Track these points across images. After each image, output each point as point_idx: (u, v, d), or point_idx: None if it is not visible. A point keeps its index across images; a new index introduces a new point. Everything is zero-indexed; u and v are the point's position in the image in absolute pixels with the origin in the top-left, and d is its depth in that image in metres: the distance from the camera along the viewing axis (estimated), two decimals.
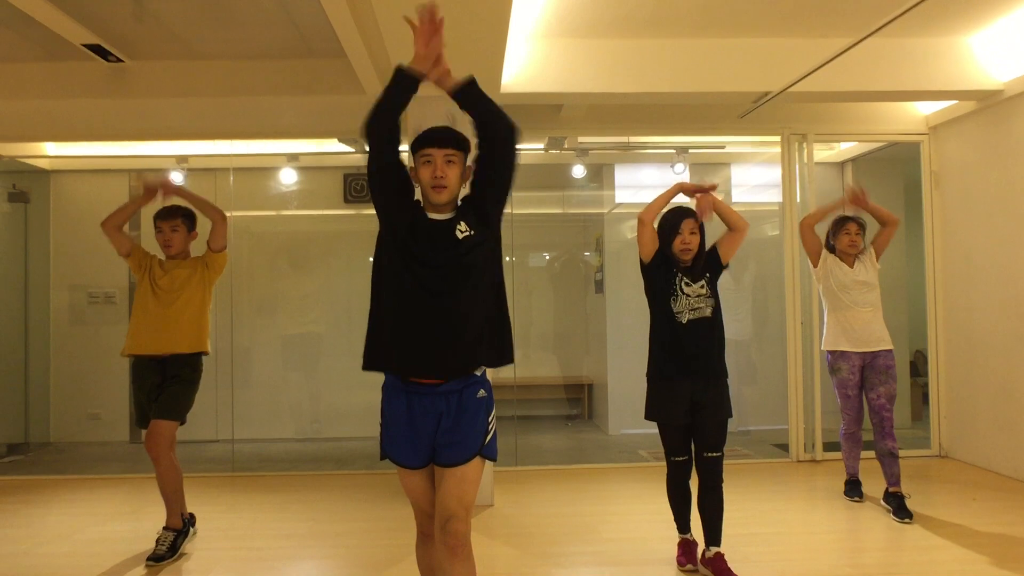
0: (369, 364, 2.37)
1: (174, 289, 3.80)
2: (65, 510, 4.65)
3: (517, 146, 2.33)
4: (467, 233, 2.32)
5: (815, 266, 4.46)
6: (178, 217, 3.88)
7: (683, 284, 3.33)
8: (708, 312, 3.33)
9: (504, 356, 2.41)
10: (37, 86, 5.01)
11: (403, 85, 2.31)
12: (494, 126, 2.30)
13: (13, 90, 5.00)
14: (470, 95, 2.32)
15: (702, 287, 3.33)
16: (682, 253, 3.34)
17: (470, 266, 2.31)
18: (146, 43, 4.71)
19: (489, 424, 2.36)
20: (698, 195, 3.39)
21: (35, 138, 6.12)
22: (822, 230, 4.57)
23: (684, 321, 3.30)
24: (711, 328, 3.34)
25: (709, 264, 3.39)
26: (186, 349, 3.80)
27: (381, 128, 2.30)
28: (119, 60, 4.83)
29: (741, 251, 3.61)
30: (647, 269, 3.42)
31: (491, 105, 2.32)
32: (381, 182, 2.33)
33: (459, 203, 2.41)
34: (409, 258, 2.30)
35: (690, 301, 3.31)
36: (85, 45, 4.50)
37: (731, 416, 3.35)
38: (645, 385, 3.44)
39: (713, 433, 3.31)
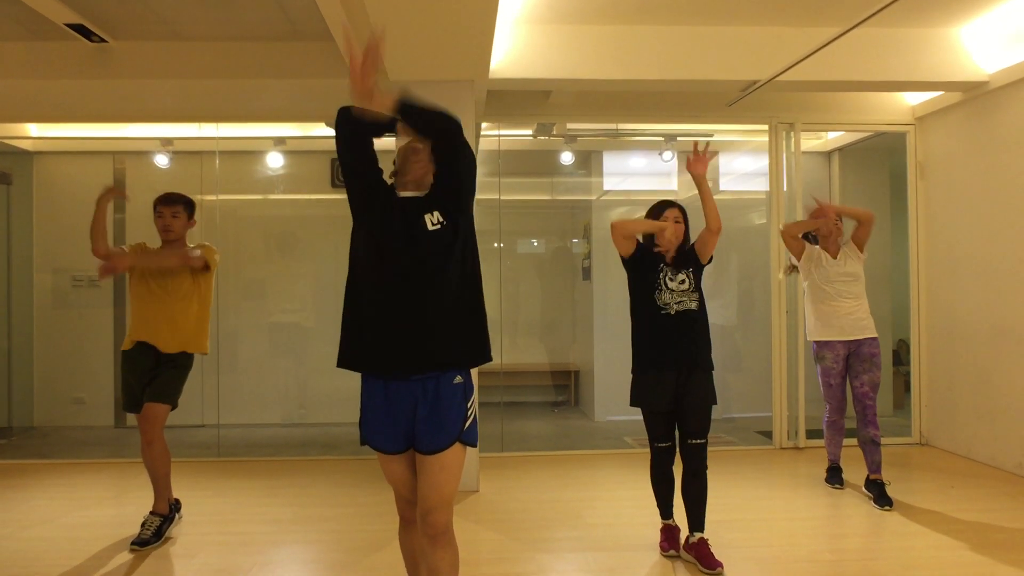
0: (342, 362, 2.36)
1: (181, 290, 3.77)
2: (49, 494, 4.63)
3: (461, 138, 2.32)
4: (438, 226, 2.29)
5: (799, 260, 4.49)
6: (179, 203, 3.86)
7: (667, 279, 3.33)
8: (694, 306, 3.34)
9: (481, 354, 2.38)
10: (19, 66, 4.93)
11: (356, 126, 2.30)
12: (439, 126, 2.29)
13: None
14: (408, 112, 2.25)
15: (683, 282, 3.33)
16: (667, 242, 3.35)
17: (440, 258, 2.29)
18: (130, 23, 4.65)
19: (468, 409, 2.35)
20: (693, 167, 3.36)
21: (17, 119, 6.04)
22: None
23: (672, 312, 3.31)
24: (696, 321, 3.35)
25: (691, 260, 3.40)
26: (190, 349, 3.82)
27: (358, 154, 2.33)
28: (103, 40, 4.76)
29: (727, 239, 3.62)
30: (629, 262, 3.43)
31: (429, 111, 2.27)
32: (357, 176, 2.35)
33: (432, 186, 2.39)
34: (381, 247, 2.29)
35: (674, 295, 3.32)
36: (68, 25, 4.43)
37: (715, 403, 3.37)
38: (629, 373, 3.45)
39: (697, 420, 3.33)
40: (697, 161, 3.32)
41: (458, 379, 2.33)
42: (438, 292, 2.28)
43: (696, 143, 3.39)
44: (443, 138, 2.31)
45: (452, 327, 2.31)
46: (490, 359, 2.40)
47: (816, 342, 4.43)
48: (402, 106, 2.21)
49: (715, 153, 3.40)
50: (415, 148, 2.36)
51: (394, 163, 2.44)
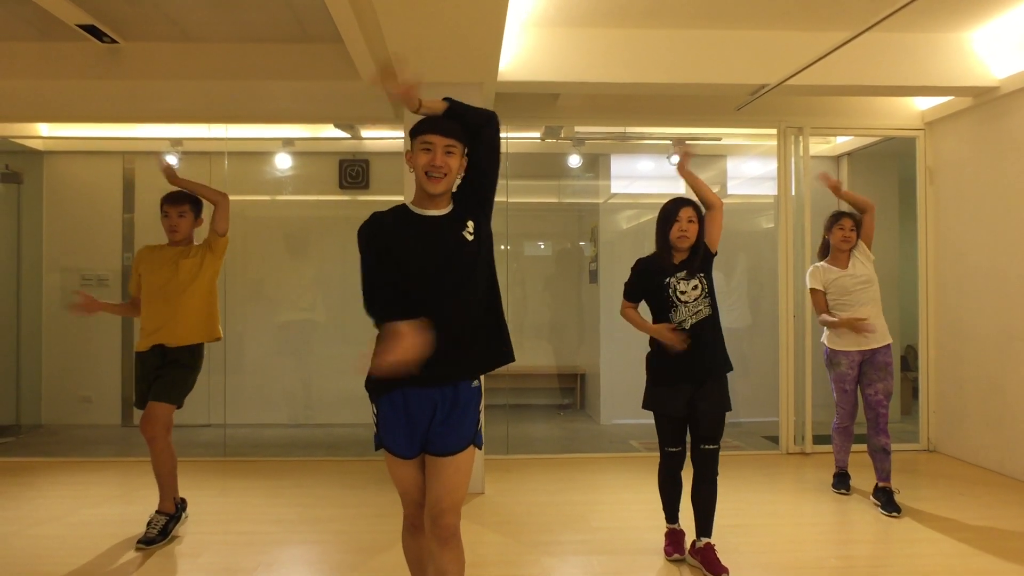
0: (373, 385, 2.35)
1: (186, 281, 3.79)
2: (56, 492, 4.65)
3: (499, 131, 2.44)
4: (472, 236, 2.33)
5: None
6: (186, 203, 3.87)
7: (679, 293, 3.29)
8: (708, 312, 3.31)
9: (504, 356, 2.40)
10: (30, 66, 4.96)
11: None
12: (479, 123, 2.39)
13: (6, 70, 4.96)
14: (457, 110, 2.39)
15: (696, 287, 3.29)
16: (680, 241, 3.31)
17: (469, 266, 2.31)
18: (141, 24, 4.67)
19: (480, 413, 2.38)
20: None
21: (28, 119, 6.08)
22: (818, 227, 4.59)
23: (688, 327, 3.29)
24: (712, 327, 3.33)
25: (704, 262, 3.36)
26: (197, 340, 3.83)
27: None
28: (113, 41, 4.79)
29: (734, 243, 3.61)
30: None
31: (472, 110, 2.41)
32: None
33: (453, 200, 2.41)
34: (403, 266, 2.29)
35: (689, 307, 3.28)
36: (79, 25, 4.46)
37: (730, 410, 3.35)
38: (636, 376, 3.44)
39: (710, 426, 3.31)
40: (682, 162, 3.52)
41: (475, 383, 2.36)
42: (469, 302, 2.30)
43: (676, 147, 3.58)
44: (491, 124, 2.41)
45: (480, 336, 2.33)
46: (513, 359, 2.42)
47: (831, 348, 4.40)
48: (451, 105, 2.39)
49: (689, 151, 3.52)
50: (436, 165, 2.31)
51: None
